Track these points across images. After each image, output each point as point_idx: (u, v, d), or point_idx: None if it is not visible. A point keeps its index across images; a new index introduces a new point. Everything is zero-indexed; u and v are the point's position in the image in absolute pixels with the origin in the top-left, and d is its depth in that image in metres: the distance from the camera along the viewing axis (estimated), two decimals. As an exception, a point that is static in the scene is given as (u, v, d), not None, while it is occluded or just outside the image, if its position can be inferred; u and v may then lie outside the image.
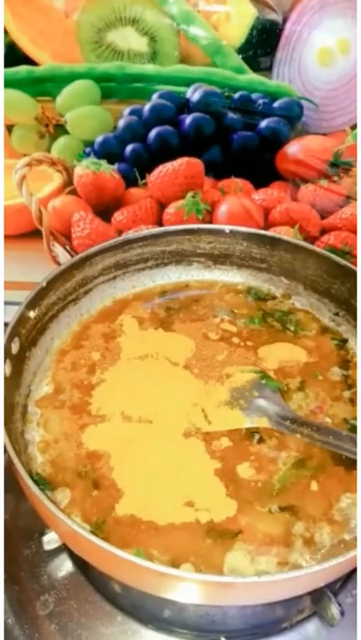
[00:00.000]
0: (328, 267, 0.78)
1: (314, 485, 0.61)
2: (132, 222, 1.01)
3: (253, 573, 0.53)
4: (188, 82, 0.92)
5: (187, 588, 0.48)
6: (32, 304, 0.71)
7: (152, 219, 1.02)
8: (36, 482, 0.53)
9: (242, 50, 0.88)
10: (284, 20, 0.85)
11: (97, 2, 0.87)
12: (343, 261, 0.76)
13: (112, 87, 0.93)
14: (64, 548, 0.67)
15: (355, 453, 0.57)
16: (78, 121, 0.96)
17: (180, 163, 0.97)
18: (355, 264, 0.95)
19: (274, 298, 0.85)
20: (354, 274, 0.75)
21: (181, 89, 0.93)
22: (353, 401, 0.69)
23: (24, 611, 0.64)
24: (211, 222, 1.01)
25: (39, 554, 0.68)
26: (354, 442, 0.58)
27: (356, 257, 0.98)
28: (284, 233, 0.97)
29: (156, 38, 0.89)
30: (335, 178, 0.97)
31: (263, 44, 0.87)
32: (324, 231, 1.00)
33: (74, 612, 0.64)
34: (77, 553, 0.55)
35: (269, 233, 0.85)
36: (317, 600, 0.61)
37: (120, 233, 1.01)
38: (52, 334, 0.76)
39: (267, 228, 1.00)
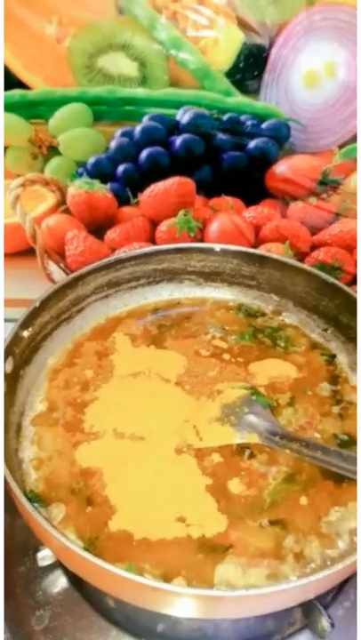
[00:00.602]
0: (316, 284, 0.80)
1: (303, 500, 0.62)
2: (125, 240, 1.03)
3: (243, 587, 0.54)
4: (177, 104, 0.95)
5: (177, 602, 0.49)
6: (26, 324, 0.72)
7: (144, 237, 1.03)
8: (29, 499, 0.54)
9: (230, 73, 0.91)
10: (271, 45, 0.88)
11: (88, 28, 0.89)
12: (331, 279, 0.78)
13: (103, 110, 0.95)
14: (58, 565, 0.68)
15: (342, 468, 0.58)
16: (71, 142, 0.98)
17: (172, 182, 0.99)
18: (345, 280, 0.98)
19: (264, 314, 0.87)
20: (342, 291, 0.76)
21: (171, 111, 0.95)
22: (342, 416, 0.70)
23: (20, 627, 0.65)
24: (202, 240, 1.03)
25: (34, 570, 0.68)
26: (341, 457, 0.59)
27: (346, 272, 1.00)
28: (275, 249, 0.99)
29: (145, 63, 0.92)
30: (324, 195, 0.99)
31: (250, 67, 0.90)
32: (314, 247, 1.02)
33: (68, 627, 0.65)
34: (70, 569, 0.56)
35: (258, 251, 0.87)
36: (308, 613, 0.63)
37: (113, 251, 1.02)
38: (46, 353, 0.77)
39: (258, 244, 1.02)
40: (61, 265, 1.06)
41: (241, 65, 0.89)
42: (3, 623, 0.63)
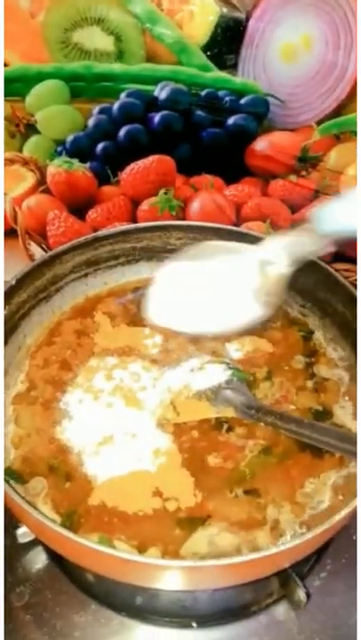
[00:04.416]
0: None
1: (279, 471, 0.62)
2: (107, 220, 1.02)
3: (217, 557, 0.54)
4: (155, 80, 0.93)
5: (150, 574, 0.49)
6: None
7: (126, 216, 1.02)
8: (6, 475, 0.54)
9: (207, 48, 0.89)
10: (248, 18, 0.86)
11: (61, 2, 0.88)
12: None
13: (81, 86, 0.94)
14: (38, 541, 0.68)
15: (314, 440, 0.58)
16: (48, 120, 0.97)
17: (151, 160, 0.98)
18: (325, 257, 0.97)
19: (243, 291, 0.86)
20: (318, 267, 0.76)
21: (149, 87, 0.94)
22: (317, 390, 0.71)
23: (0, 603, 0.66)
24: (184, 219, 1.02)
25: (14, 547, 0.69)
26: (314, 428, 0.59)
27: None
28: (257, 228, 0.99)
29: (121, 37, 0.90)
30: (304, 173, 0.99)
31: (228, 41, 0.88)
32: (295, 225, 1.02)
33: (49, 602, 0.66)
34: (45, 542, 0.56)
35: (236, 228, 0.86)
36: (285, 583, 0.64)
37: (95, 230, 1.01)
38: (24, 332, 0.77)
39: (239, 223, 1.02)
40: (43, 246, 1.05)
41: (218, 39, 0.88)
42: (2, 620, 0.64)
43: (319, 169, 0.98)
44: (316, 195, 1.00)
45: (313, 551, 0.61)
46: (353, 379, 0.72)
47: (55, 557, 0.69)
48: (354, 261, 0.97)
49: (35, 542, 0.68)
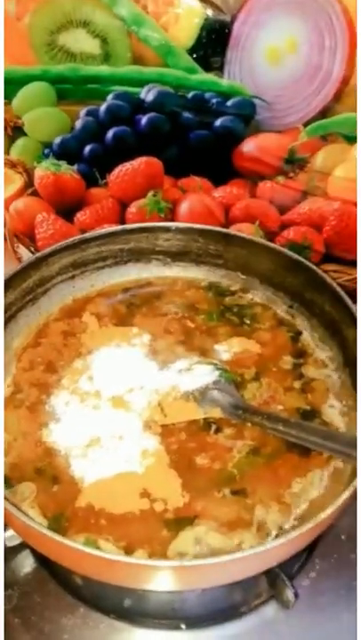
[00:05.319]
0: (280, 261, 0.80)
1: (267, 471, 0.62)
2: (95, 222, 1.02)
3: (204, 557, 0.54)
4: (141, 82, 0.94)
5: (136, 575, 0.49)
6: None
7: (114, 218, 1.02)
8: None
9: (193, 50, 0.90)
10: (233, 21, 0.87)
11: (47, 4, 0.88)
12: (295, 255, 0.78)
13: (67, 89, 0.94)
14: (26, 545, 0.68)
15: (301, 439, 0.58)
16: (35, 122, 0.96)
17: (139, 162, 0.98)
18: (314, 259, 0.98)
19: (233, 293, 0.87)
20: (305, 267, 0.77)
21: (135, 89, 0.94)
22: (305, 390, 0.71)
23: (-13, 607, 0.65)
24: (173, 220, 1.02)
25: (2, 551, 0.68)
26: (301, 428, 0.59)
27: (315, 251, 1.00)
28: (246, 229, 0.99)
29: (107, 40, 0.90)
30: (291, 174, 0.99)
31: (213, 44, 0.89)
32: (283, 226, 1.02)
33: (37, 605, 0.65)
34: (32, 546, 0.56)
35: (223, 229, 0.86)
36: (273, 583, 0.64)
37: (84, 232, 1.01)
38: (11, 334, 0.77)
39: (228, 225, 1.02)
40: (32, 248, 1.04)
41: (204, 41, 0.89)
42: (2, 621, 0.63)
43: (306, 170, 0.98)
44: (304, 196, 1.00)
45: (301, 550, 0.61)
46: (341, 378, 0.72)
47: (43, 561, 0.68)
48: (343, 262, 0.98)
49: (22, 546, 0.68)
